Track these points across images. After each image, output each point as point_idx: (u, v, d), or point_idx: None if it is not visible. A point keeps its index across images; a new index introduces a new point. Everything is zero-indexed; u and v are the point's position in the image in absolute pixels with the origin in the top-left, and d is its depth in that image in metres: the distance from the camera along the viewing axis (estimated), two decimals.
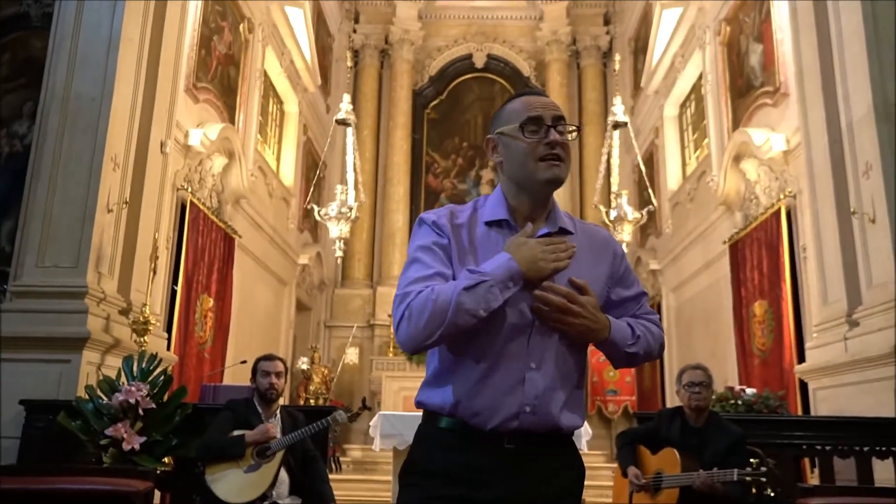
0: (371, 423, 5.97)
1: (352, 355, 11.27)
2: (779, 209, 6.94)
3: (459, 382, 1.49)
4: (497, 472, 1.46)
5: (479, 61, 13.41)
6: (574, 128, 1.59)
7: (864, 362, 4.93)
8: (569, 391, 1.51)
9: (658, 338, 1.62)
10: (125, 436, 3.97)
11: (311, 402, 9.70)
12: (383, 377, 10.41)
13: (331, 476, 4.10)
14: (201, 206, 7.36)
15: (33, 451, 4.37)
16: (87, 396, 4.28)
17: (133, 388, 4.11)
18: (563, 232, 1.58)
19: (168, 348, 6.28)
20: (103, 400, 4.19)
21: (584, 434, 5.94)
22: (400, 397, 9.85)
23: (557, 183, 1.54)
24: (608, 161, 9.21)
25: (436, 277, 1.48)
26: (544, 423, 1.47)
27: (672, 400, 8.98)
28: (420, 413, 1.60)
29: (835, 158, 5.49)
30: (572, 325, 1.48)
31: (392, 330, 11.12)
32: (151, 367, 4.36)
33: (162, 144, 6.06)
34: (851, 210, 5.20)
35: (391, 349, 11.52)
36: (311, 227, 11.75)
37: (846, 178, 5.35)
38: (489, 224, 1.57)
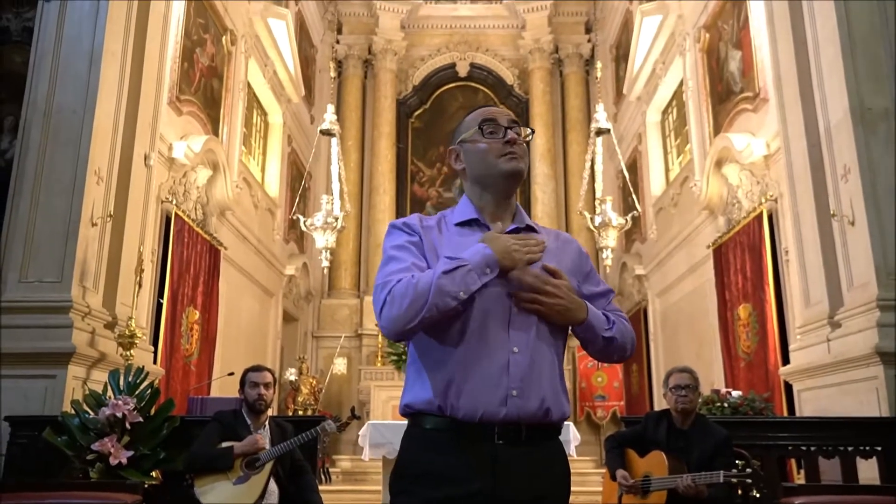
0: (360, 433, 5.96)
1: (340, 365, 11.23)
2: (760, 213, 7.01)
3: (445, 376, 1.51)
4: (486, 469, 1.47)
5: (463, 70, 13.45)
6: (530, 130, 1.71)
7: (846, 363, 4.99)
8: (552, 375, 1.55)
9: (630, 332, 1.66)
10: (112, 450, 3.94)
11: (300, 413, 9.66)
12: (372, 387, 10.36)
13: (320, 487, 4.09)
14: (186, 219, 7.34)
15: (18, 467, 4.32)
16: (73, 411, 4.25)
17: (120, 402, 4.09)
18: (530, 229, 1.68)
19: (154, 362, 6.24)
20: (90, 414, 4.16)
21: (574, 440, 5.97)
22: (389, 406, 9.81)
23: (518, 175, 1.65)
24: (592, 168, 9.24)
25: (413, 268, 1.55)
26: (532, 405, 1.50)
27: (660, 404, 9.02)
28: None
29: (814, 162, 5.57)
30: (548, 305, 1.54)
31: (380, 339, 11.24)
32: (138, 381, 4.33)
33: (146, 157, 6.05)
34: (831, 213, 5.27)
35: (379, 359, 11.49)
36: (297, 237, 11.73)
37: (825, 181, 5.43)
38: (459, 225, 1.66)
